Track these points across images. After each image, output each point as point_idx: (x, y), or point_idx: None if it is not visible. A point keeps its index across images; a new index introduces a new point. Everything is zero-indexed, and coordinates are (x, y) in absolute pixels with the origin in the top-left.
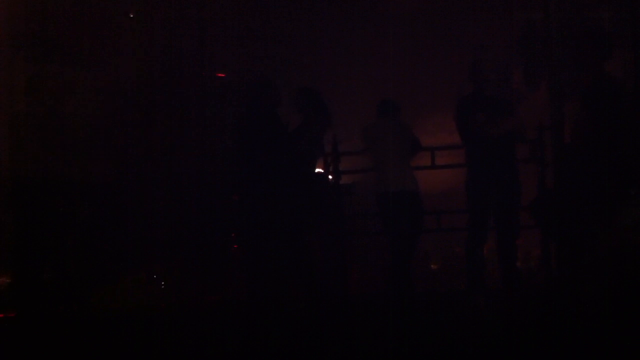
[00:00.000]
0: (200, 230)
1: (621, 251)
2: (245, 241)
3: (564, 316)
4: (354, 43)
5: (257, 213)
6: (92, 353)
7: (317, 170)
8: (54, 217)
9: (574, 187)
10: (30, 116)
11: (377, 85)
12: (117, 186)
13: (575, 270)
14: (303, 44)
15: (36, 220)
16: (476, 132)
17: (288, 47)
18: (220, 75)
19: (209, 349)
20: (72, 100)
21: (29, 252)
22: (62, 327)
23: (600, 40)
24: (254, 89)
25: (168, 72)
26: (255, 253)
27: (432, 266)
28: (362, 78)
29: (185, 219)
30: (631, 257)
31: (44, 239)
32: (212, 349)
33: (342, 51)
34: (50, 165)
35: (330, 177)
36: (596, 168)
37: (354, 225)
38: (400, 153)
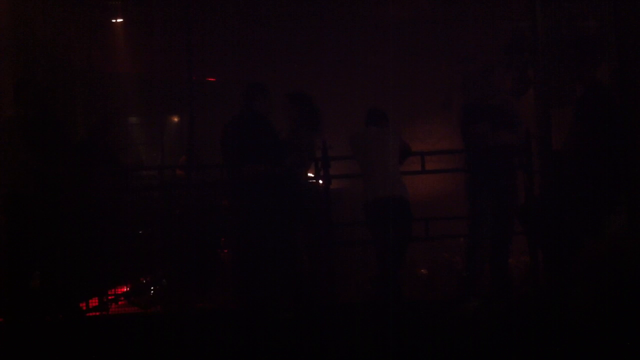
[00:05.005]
0: (190, 236)
1: (609, 258)
2: (234, 247)
3: (552, 322)
4: (345, 50)
5: (247, 219)
6: None
7: (307, 175)
8: (42, 224)
9: (562, 194)
10: (18, 122)
11: (367, 91)
12: (106, 192)
13: (562, 277)
14: (295, 49)
15: (23, 227)
16: (478, 141)
17: (280, 53)
18: (210, 79)
19: (198, 355)
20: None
21: (17, 259)
22: (49, 334)
23: (593, 48)
24: (246, 93)
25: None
26: (244, 259)
27: (422, 272)
28: (352, 84)
29: (175, 225)
30: (619, 263)
31: (32, 246)
32: (201, 356)
33: (333, 57)
34: (39, 172)
35: (320, 182)
36: (586, 175)
37: (342, 231)
38: (389, 160)
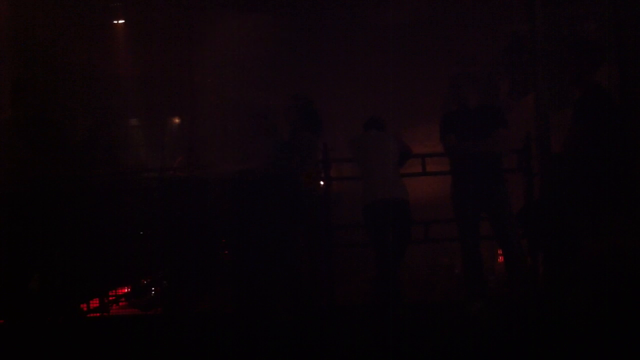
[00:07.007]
0: (190, 237)
1: (609, 258)
2: (234, 249)
3: (552, 323)
4: (346, 52)
5: (247, 220)
6: None
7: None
8: (41, 224)
9: (562, 196)
10: (17, 122)
11: (368, 93)
12: (107, 193)
13: (562, 278)
14: (295, 51)
15: (23, 228)
16: (450, 151)
17: (280, 55)
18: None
19: (198, 357)
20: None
21: (17, 260)
22: (49, 335)
23: (592, 50)
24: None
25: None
26: (244, 260)
27: (422, 274)
28: (353, 86)
29: (175, 226)
30: (619, 263)
31: (32, 247)
32: (201, 358)
33: (334, 60)
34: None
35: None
36: (585, 177)
37: (342, 233)
38: (388, 162)
